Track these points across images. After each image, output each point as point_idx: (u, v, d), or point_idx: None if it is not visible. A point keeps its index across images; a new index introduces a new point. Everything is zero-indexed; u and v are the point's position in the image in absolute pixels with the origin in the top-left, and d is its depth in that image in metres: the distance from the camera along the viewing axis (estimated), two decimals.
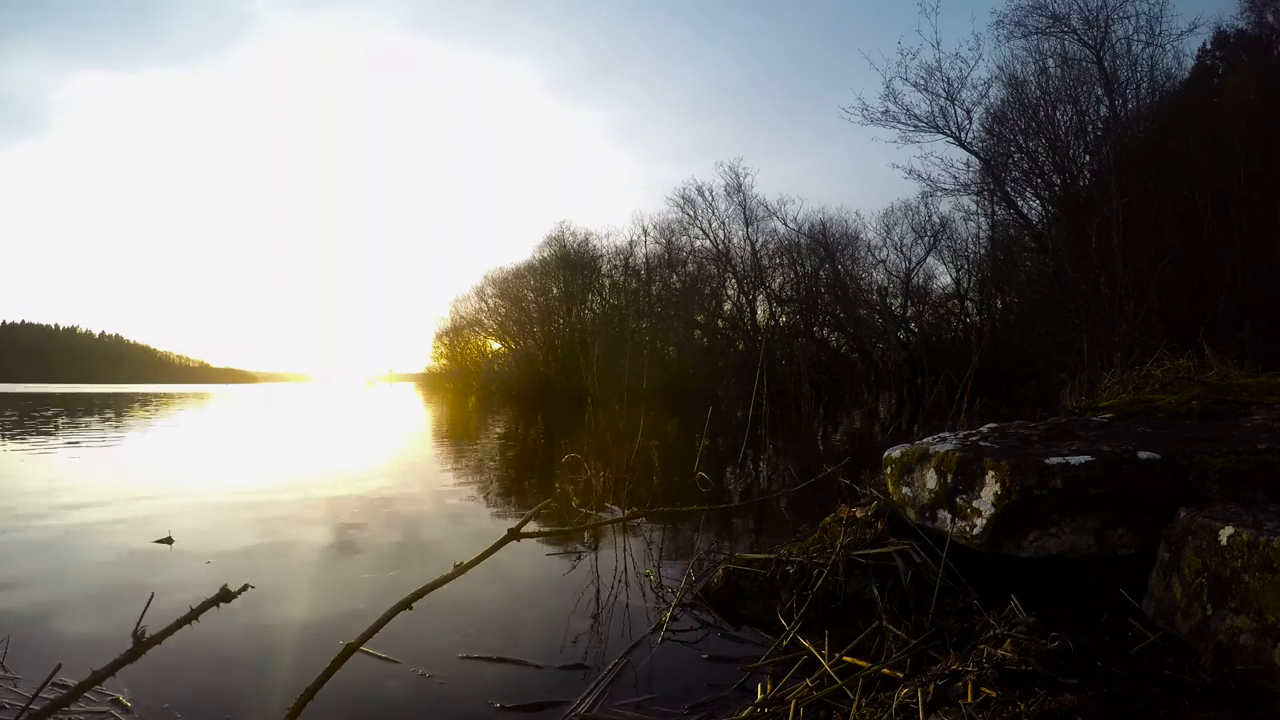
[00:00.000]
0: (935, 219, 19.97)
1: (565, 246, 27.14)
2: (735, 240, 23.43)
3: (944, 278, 20.86)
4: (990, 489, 1.69)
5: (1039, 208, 14.85)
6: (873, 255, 21.24)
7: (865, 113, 15.08)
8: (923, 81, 14.56)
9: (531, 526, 1.69)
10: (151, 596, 1.25)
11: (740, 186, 22.94)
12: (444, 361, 40.32)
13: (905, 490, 1.99)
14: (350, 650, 1.24)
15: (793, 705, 1.40)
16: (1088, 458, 1.64)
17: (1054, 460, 1.64)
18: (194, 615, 1.13)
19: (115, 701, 1.54)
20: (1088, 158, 13.21)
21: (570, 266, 26.80)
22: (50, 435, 8.43)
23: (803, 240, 21.97)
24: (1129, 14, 12.63)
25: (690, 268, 24.46)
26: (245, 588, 1.19)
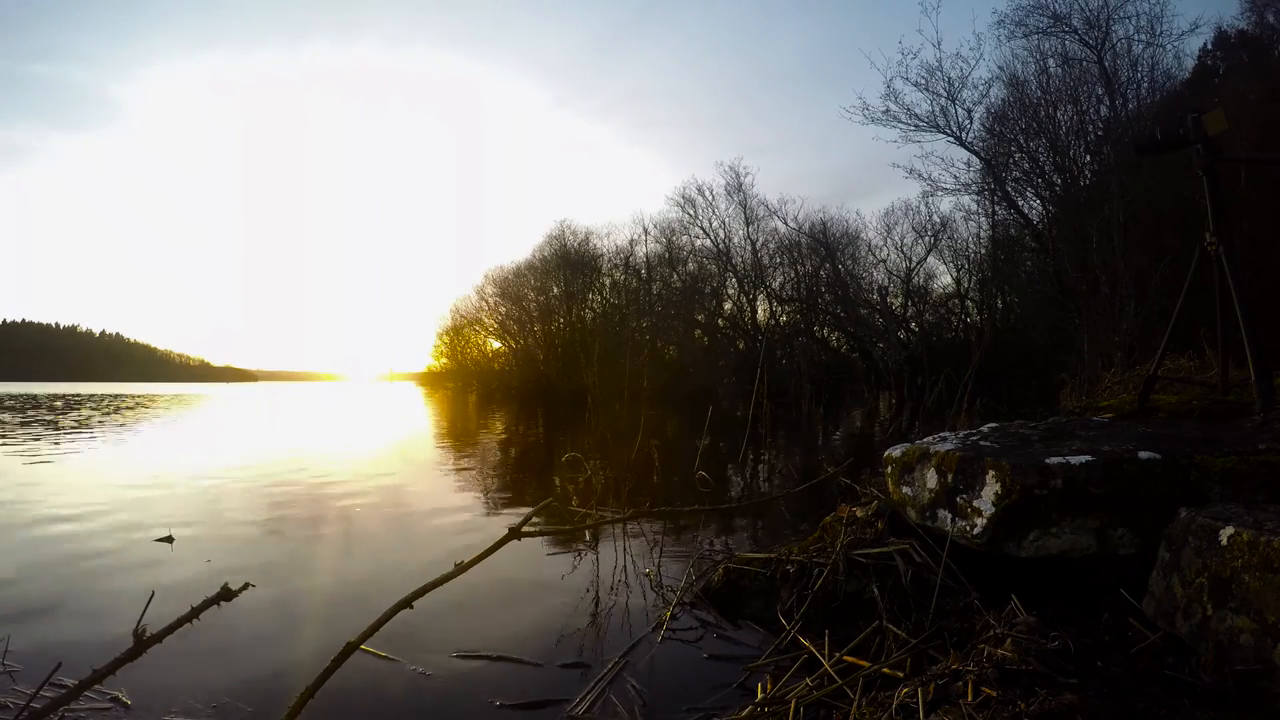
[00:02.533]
0: (936, 219, 19.98)
1: (565, 245, 27.16)
2: (736, 239, 23.45)
3: (944, 277, 20.87)
4: (991, 489, 1.69)
5: (1039, 208, 14.85)
6: (873, 255, 21.24)
7: (866, 112, 15.07)
8: (923, 81, 14.56)
9: (531, 526, 1.69)
10: (152, 595, 1.25)
11: (740, 186, 22.96)
12: (444, 360, 40.33)
13: (905, 490, 1.99)
14: (350, 649, 1.24)
15: (793, 704, 1.40)
16: (1088, 457, 1.64)
17: (1054, 460, 1.64)
18: (195, 614, 1.13)
19: (116, 700, 1.54)
20: (1088, 158, 13.20)
21: (571, 265, 26.81)
22: (42, 436, 8.43)
23: (803, 239, 21.98)
24: (1130, 14, 12.63)
25: (691, 267, 24.47)
26: (246, 586, 1.19)
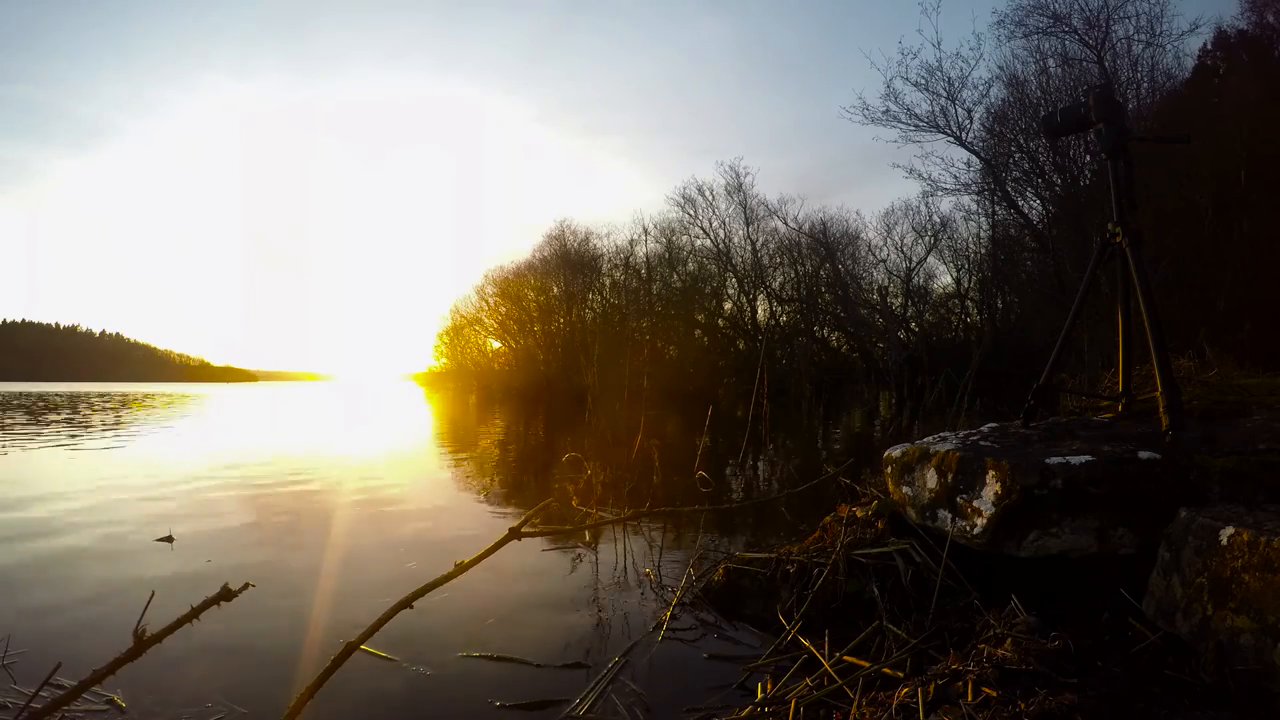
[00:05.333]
0: (936, 219, 19.99)
1: (566, 245, 27.15)
2: (736, 239, 23.44)
3: (944, 277, 20.85)
4: (991, 489, 1.69)
5: (1039, 207, 14.85)
6: (873, 255, 21.25)
7: (866, 112, 15.06)
8: (923, 81, 14.57)
9: (532, 526, 1.69)
10: (152, 595, 1.25)
11: (740, 185, 22.95)
12: (445, 361, 40.34)
13: (905, 490, 1.98)
14: (350, 649, 1.24)
15: (793, 704, 1.40)
16: (1088, 457, 1.64)
17: (1054, 460, 1.64)
18: (195, 614, 1.13)
19: (111, 702, 1.54)
20: (1088, 157, 13.19)
21: (571, 265, 26.79)
22: (42, 436, 8.43)
23: (803, 239, 21.97)
24: (1130, 14, 12.64)
25: (691, 267, 24.46)
26: (246, 586, 1.19)
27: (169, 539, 2.99)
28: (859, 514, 2.19)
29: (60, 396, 23.57)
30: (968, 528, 1.72)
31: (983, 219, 18.23)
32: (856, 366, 20.93)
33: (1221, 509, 1.43)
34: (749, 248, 23.15)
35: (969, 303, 20.18)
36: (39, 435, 8.31)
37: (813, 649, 1.67)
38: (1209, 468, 1.60)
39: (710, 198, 23.49)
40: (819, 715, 1.38)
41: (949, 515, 1.79)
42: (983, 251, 18.94)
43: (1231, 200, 10.27)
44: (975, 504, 1.71)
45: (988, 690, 1.21)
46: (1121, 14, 12.61)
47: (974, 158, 15.04)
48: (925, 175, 15.84)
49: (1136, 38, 12.65)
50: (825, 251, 21.02)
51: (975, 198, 16.74)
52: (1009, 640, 1.36)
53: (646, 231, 25.24)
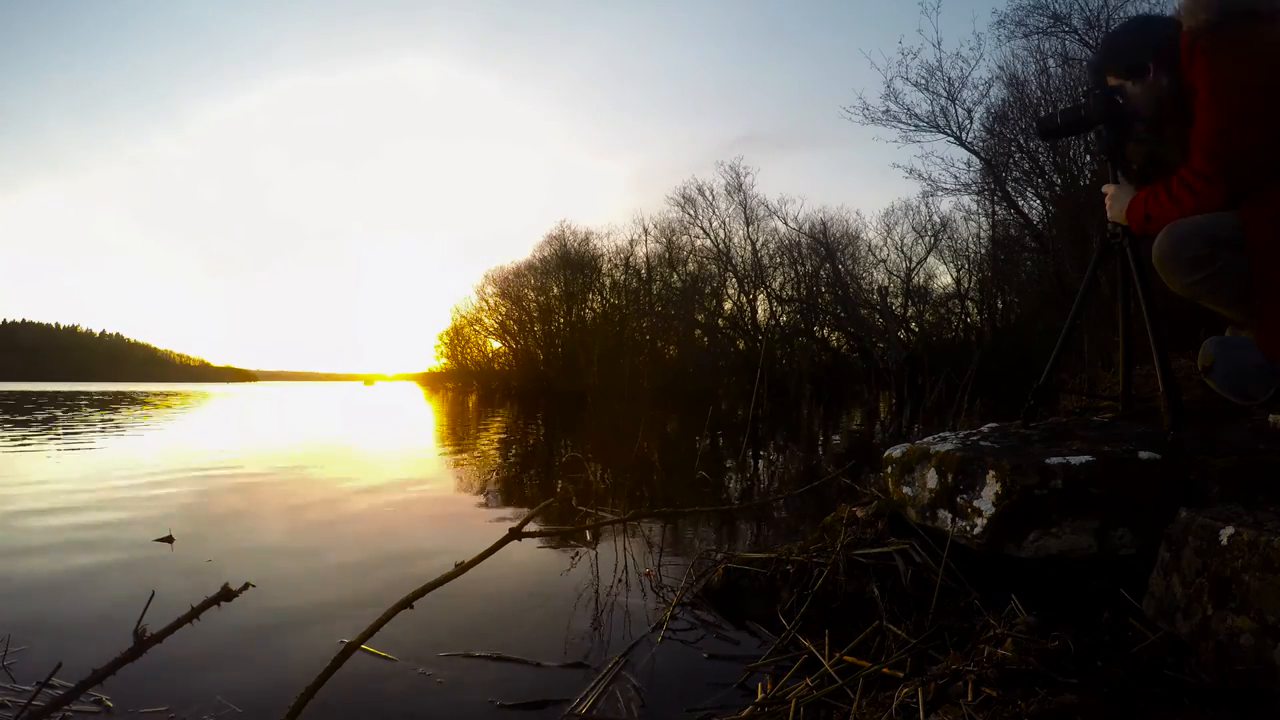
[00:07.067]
0: (936, 219, 20.05)
1: (566, 245, 27.21)
2: (736, 239, 23.48)
3: (944, 277, 20.91)
4: (991, 489, 1.69)
5: (1040, 207, 14.87)
6: (873, 255, 21.32)
7: (866, 112, 15.10)
8: (923, 81, 14.60)
9: (532, 526, 1.69)
10: (152, 595, 1.25)
11: (741, 186, 23.00)
12: (445, 361, 40.36)
13: (905, 490, 1.98)
14: (350, 649, 1.24)
15: (793, 704, 1.40)
16: (1089, 458, 1.64)
17: (1055, 460, 1.64)
18: (195, 614, 1.13)
19: (99, 702, 1.54)
20: (1088, 158, 13.20)
21: (571, 265, 26.85)
22: (42, 434, 8.44)
23: (803, 239, 22.01)
24: (1129, 14, 12.66)
25: (691, 267, 24.50)
26: (246, 586, 1.19)
27: (169, 539, 2.99)
28: (859, 514, 2.19)
29: (61, 395, 23.59)
30: (968, 528, 1.73)
31: (983, 219, 18.27)
32: (856, 366, 20.94)
33: (1221, 509, 1.43)
34: (749, 248, 23.19)
35: (969, 303, 20.19)
36: (39, 434, 8.31)
37: (813, 649, 1.67)
38: (1209, 468, 1.60)
39: (710, 198, 23.54)
40: (819, 715, 1.38)
41: (949, 515, 1.79)
42: (983, 251, 18.96)
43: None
44: (975, 504, 1.71)
45: (988, 690, 1.21)
46: (1121, 14, 12.61)
47: (974, 158, 15.07)
48: (925, 175, 15.89)
49: None
50: (825, 251, 21.04)
51: (975, 198, 16.77)
52: (1009, 640, 1.36)
53: (646, 231, 25.32)
